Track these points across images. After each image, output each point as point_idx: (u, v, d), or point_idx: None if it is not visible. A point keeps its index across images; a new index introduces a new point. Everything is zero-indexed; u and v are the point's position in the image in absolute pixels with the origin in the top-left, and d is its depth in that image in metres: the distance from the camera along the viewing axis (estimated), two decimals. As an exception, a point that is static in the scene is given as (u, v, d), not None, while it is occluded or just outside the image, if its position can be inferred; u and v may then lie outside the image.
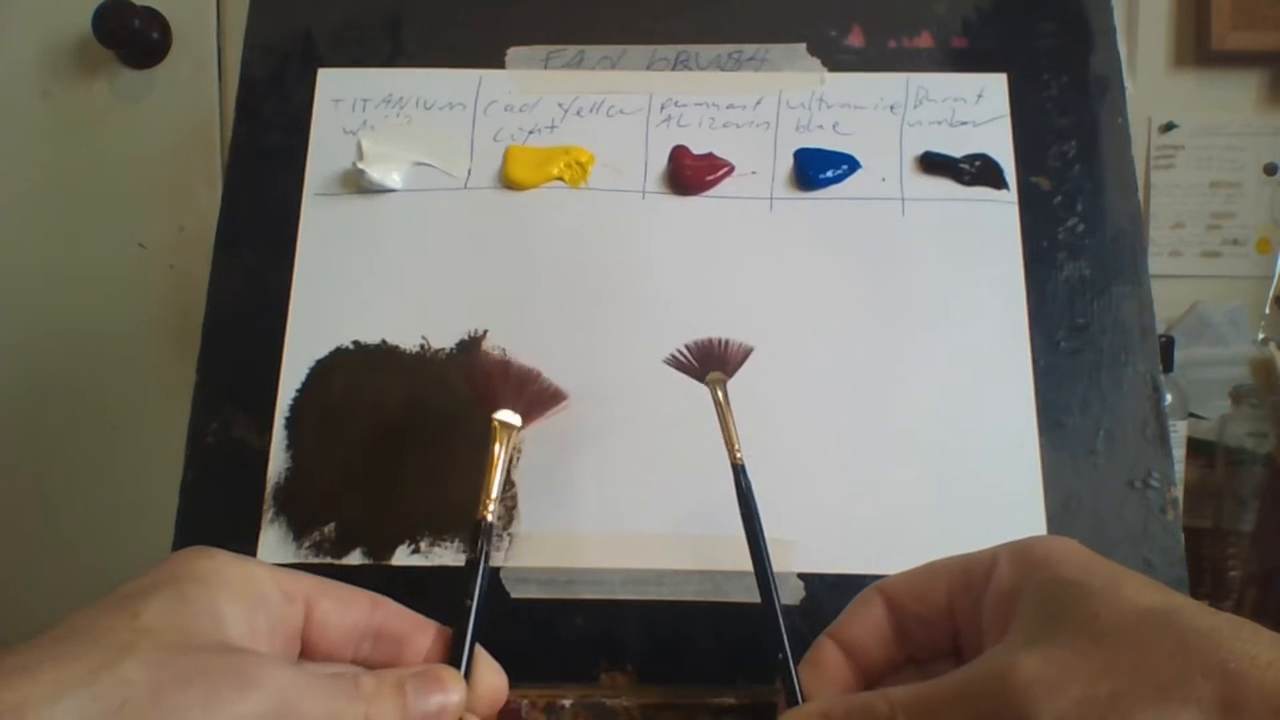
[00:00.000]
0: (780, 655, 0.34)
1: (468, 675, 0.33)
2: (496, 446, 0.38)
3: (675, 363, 0.40)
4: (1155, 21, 0.85)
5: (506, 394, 0.39)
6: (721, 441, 0.38)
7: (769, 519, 0.37)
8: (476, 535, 0.36)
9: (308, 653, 0.32)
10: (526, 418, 0.39)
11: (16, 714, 0.23)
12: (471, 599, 0.34)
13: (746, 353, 0.40)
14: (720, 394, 0.39)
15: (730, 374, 0.39)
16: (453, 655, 0.33)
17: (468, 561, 0.36)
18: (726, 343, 0.40)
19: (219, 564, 0.30)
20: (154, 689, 0.25)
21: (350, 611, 0.33)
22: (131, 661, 0.25)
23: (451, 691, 0.31)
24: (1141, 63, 0.84)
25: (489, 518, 0.36)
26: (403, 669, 0.32)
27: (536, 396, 0.40)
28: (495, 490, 0.37)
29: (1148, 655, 0.26)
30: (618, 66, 0.51)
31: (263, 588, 0.31)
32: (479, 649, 0.34)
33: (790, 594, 0.42)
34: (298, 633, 0.32)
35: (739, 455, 0.38)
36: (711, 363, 0.40)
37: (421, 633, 0.34)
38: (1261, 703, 0.24)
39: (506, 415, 0.39)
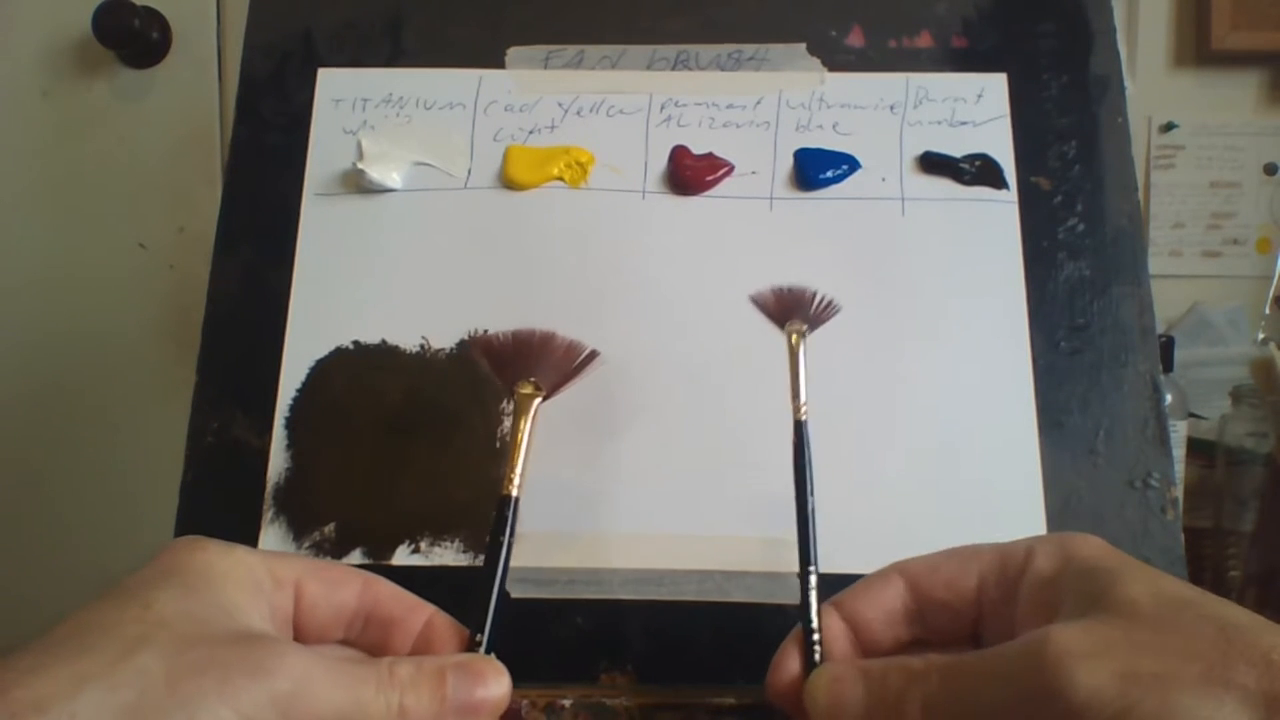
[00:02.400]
0: (809, 614, 0.33)
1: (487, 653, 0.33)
2: (521, 419, 0.36)
3: (759, 302, 0.39)
4: (1155, 21, 0.85)
5: (526, 364, 0.38)
6: (725, 440, 0.38)
7: (769, 518, 0.37)
8: (501, 511, 0.35)
9: (297, 636, 0.32)
10: (556, 383, 0.38)
11: (38, 710, 0.24)
12: (495, 575, 0.34)
13: (832, 312, 0.39)
14: (796, 343, 0.37)
15: (813, 327, 0.38)
16: (472, 635, 0.33)
17: (491, 540, 0.35)
18: (814, 294, 0.39)
19: (212, 556, 0.30)
20: (170, 678, 0.25)
21: (339, 593, 0.32)
22: (147, 653, 0.26)
23: (493, 685, 0.31)
24: (1141, 63, 0.84)
25: (513, 493, 0.35)
26: (442, 657, 0.31)
27: (563, 358, 0.38)
28: (520, 465, 0.36)
29: (1191, 640, 0.25)
30: (618, 66, 0.51)
31: (256, 575, 0.31)
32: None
33: (790, 593, 0.42)
34: (290, 618, 0.32)
35: (804, 412, 0.36)
36: (795, 311, 0.38)
37: (414, 615, 0.33)
38: None
39: (527, 386, 0.37)
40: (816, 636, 0.33)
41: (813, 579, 0.34)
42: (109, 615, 0.27)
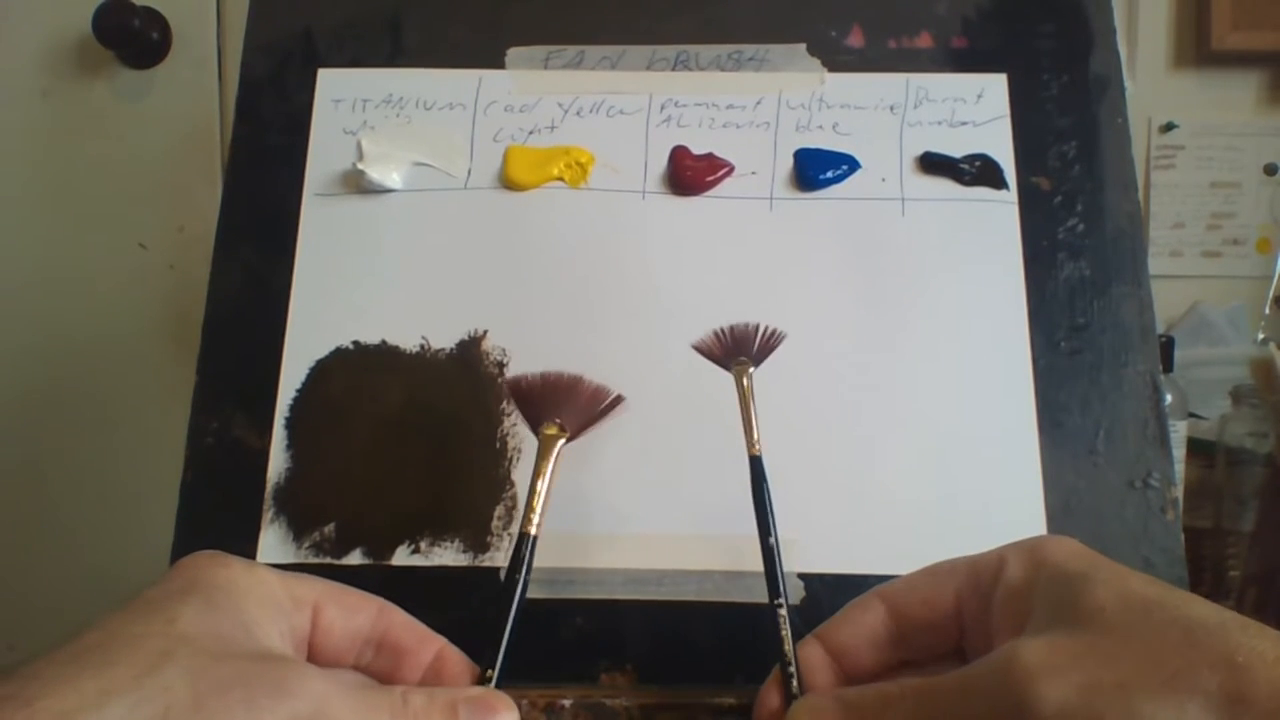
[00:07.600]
0: (783, 648, 0.34)
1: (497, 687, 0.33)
2: (544, 460, 0.37)
3: (703, 348, 0.40)
4: (1155, 21, 0.85)
5: (553, 405, 0.38)
6: (724, 440, 0.38)
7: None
8: (519, 549, 0.35)
9: (311, 658, 0.32)
10: (581, 425, 0.38)
11: None
12: (509, 612, 0.34)
13: (778, 340, 0.39)
14: (745, 382, 0.37)
15: (758, 362, 0.38)
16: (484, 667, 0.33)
17: (507, 576, 0.35)
18: (757, 328, 0.39)
19: (235, 573, 0.30)
20: (195, 695, 0.25)
21: (355, 618, 0.33)
22: (172, 668, 0.26)
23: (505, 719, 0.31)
24: (1141, 63, 0.84)
25: (533, 531, 0.36)
26: (455, 690, 0.32)
27: (588, 402, 0.39)
28: (540, 504, 0.36)
29: (1154, 646, 0.26)
30: (618, 66, 0.51)
31: (276, 595, 0.31)
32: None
33: (790, 593, 0.41)
34: (306, 639, 0.32)
35: (757, 447, 0.37)
36: (739, 349, 0.38)
37: (425, 646, 0.33)
38: (1270, 698, 0.24)
39: (551, 428, 0.38)
40: (793, 669, 0.33)
41: (782, 612, 0.34)
42: (133, 628, 0.27)
